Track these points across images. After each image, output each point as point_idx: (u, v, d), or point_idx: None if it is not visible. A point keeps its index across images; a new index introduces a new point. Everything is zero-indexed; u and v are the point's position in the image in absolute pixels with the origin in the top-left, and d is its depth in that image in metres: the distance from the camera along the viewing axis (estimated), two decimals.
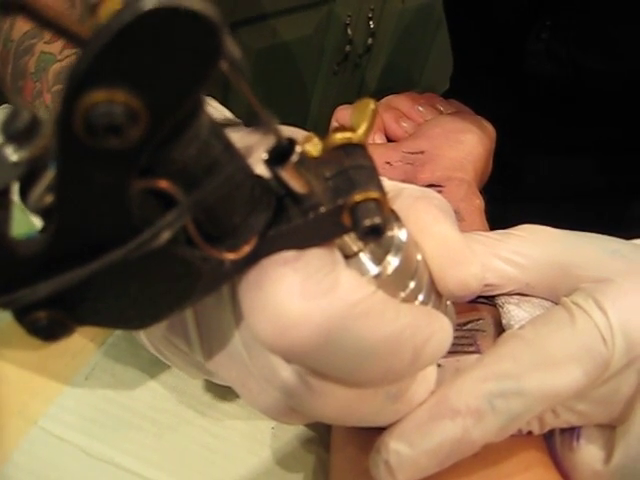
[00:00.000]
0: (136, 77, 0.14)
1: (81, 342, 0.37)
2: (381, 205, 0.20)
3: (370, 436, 0.26)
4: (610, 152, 0.62)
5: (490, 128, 0.46)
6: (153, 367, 0.36)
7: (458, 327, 0.30)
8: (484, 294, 0.31)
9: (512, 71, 0.60)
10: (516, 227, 0.30)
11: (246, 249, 0.20)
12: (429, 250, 0.25)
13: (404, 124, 0.47)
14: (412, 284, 0.24)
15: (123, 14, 0.13)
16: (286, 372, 0.22)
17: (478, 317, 0.31)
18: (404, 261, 0.23)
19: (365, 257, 0.23)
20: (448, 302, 0.27)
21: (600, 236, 0.29)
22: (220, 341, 0.24)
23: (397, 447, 0.24)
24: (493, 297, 0.31)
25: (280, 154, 0.19)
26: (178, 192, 0.17)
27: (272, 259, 0.21)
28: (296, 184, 0.20)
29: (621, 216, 0.63)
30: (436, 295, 0.25)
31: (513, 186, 0.66)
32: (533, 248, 0.29)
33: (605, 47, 0.54)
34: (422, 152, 0.42)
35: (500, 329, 0.30)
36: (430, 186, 0.39)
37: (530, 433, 0.27)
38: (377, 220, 0.20)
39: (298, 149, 0.19)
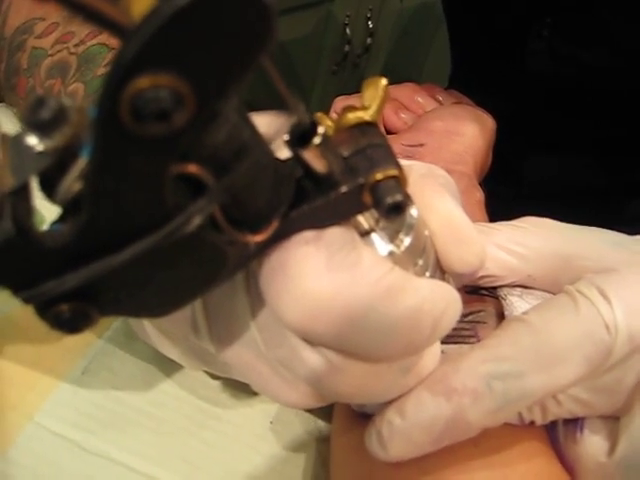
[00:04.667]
0: (185, 61, 0.14)
1: (77, 336, 0.36)
2: (401, 182, 0.20)
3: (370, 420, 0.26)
4: (611, 151, 0.62)
5: (490, 120, 0.46)
6: (151, 362, 0.36)
7: (459, 318, 0.30)
8: (486, 285, 0.31)
9: (513, 70, 0.60)
10: (518, 219, 0.30)
11: (269, 231, 0.20)
12: (434, 227, 0.25)
13: (403, 115, 0.47)
14: (421, 261, 0.24)
15: None
16: (307, 352, 0.22)
17: (480, 309, 0.31)
18: (415, 239, 0.24)
19: (378, 235, 0.23)
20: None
21: (602, 229, 0.29)
22: (231, 325, 0.24)
23: (390, 417, 0.24)
24: (495, 289, 0.31)
25: (301, 135, 0.19)
26: (208, 177, 0.17)
27: (294, 239, 0.21)
28: (317, 164, 0.20)
29: (621, 215, 0.63)
30: (440, 271, 0.26)
31: (514, 185, 0.66)
32: (535, 239, 0.29)
33: (606, 44, 0.54)
34: (422, 145, 0.42)
35: (502, 321, 0.30)
36: None
37: (533, 423, 0.27)
38: (399, 197, 0.20)
39: (320, 130, 0.19)
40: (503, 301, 0.30)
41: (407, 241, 0.24)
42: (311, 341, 0.22)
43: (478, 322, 0.30)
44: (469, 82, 0.58)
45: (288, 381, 0.24)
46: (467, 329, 0.30)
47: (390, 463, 0.25)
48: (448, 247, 0.25)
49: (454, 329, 0.30)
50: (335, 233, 0.21)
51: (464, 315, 0.31)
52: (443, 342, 0.29)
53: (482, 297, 0.32)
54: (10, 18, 0.45)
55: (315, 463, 0.33)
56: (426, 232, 0.25)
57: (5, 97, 0.48)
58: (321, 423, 0.35)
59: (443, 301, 0.22)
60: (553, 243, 0.29)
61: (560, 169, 0.65)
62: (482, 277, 0.30)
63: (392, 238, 0.23)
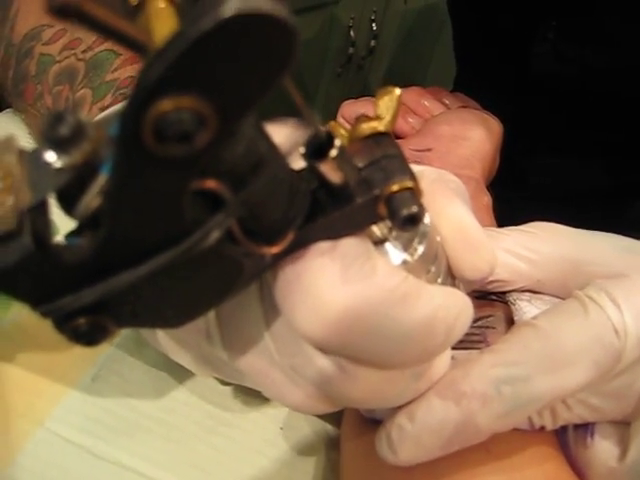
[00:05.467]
0: (208, 83, 0.14)
1: None
2: (416, 194, 0.21)
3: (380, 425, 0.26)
4: (615, 154, 0.62)
5: (497, 124, 0.46)
6: (161, 368, 0.36)
7: None
8: (494, 290, 0.31)
9: (517, 72, 0.60)
10: (527, 224, 0.30)
11: (285, 242, 0.20)
12: (445, 233, 0.25)
13: (411, 120, 0.47)
14: (433, 268, 0.24)
15: (202, 21, 0.13)
16: (321, 360, 0.22)
17: (489, 314, 0.31)
18: (428, 246, 0.24)
19: (391, 244, 0.23)
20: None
21: (610, 234, 0.29)
22: (244, 333, 0.24)
23: (400, 421, 0.24)
24: (504, 294, 0.31)
25: (318, 147, 0.19)
26: (226, 191, 0.17)
27: (309, 251, 0.21)
28: (333, 176, 0.20)
29: (626, 217, 0.63)
30: (451, 277, 0.26)
31: (518, 187, 0.65)
32: (544, 244, 0.29)
33: (611, 46, 0.54)
34: (429, 149, 0.42)
35: (510, 326, 0.29)
36: None
37: (543, 428, 0.27)
38: (414, 209, 0.20)
39: (337, 142, 0.19)
40: (512, 306, 0.30)
41: (421, 249, 0.24)
42: (326, 350, 0.22)
43: (487, 327, 0.30)
44: (474, 84, 0.58)
45: (301, 387, 0.24)
46: (476, 334, 0.30)
47: (400, 468, 0.25)
48: (459, 254, 0.25)
49: (463, 334, 0.30)
50: (350, 244, 0.21)
51: (473, 320, 0.30)
52: (452, 348, 0.29)
53: (491, 302, 0.32)
54: (18, 25, 0.45)
55: (325, 468, 0.33)
56: (438, 238, 0.25)
57: (13, 103, 0.48)
58: (330, 428, 0.35)
59: (456, 308, 0.22)
60: (562, 248, 0.28)
61: (564, 171, 0.65)
62: (491, 282, 0.30)
63: (405, 246, 0.23)
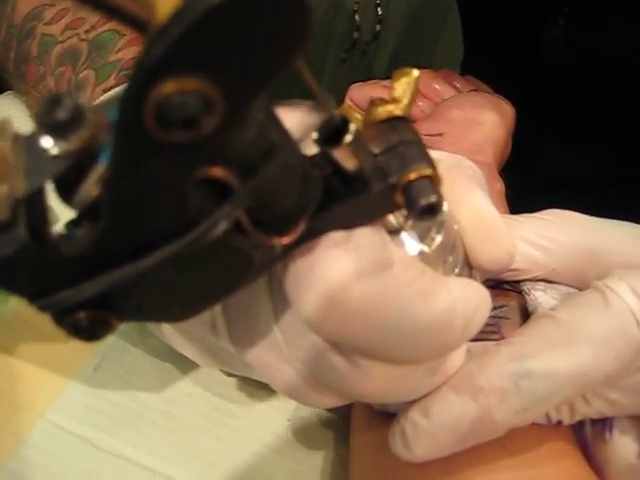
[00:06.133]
0: (215, 64, 0.13)
1: None
2: (435, 182, 0.19)
3: (392, 419, 0.25)
4: (626, 142, 0.61)
5: (509, 108, 0.46)
6: (165, 358, 0.36)
7: None
8: (509, 279, 0.30)
9: (527, 58, 0.59)
10: (542, 212, 0.30)
11: (296, 233, 0.19)
12: (463, 222, 0.24)
13: (420, 103, 0.46)
14: (451, 258, 0.24)
15: None
16: (333, 355, 0.22)
17: (502, 304, 0.30)
18: (446, 236, 0.23)
19: (407, 234, 0.22)
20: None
21: (626, 222, 0.29)
22: (252, 326, 0.23)
23: (415, 417, 0.24)
24: (517, 283, 0.31)
25: (332, 133, 0.18)
26: (234, 180, 0.16)
27: (322, 241, 0.20)
28: (348, 163, 0.19)
29: (633, 206, 0.62)
30: (468, 267, 0.25)
31: (525, 174, 0.65)
32: (560, 232, 0.28)
33: (623, 32, 0.53)
34: (441, 134, 0.41)
35: (525, 317, 0.29)
36: None
37: (560, 423, 0.26)
38: (433, 198, 0.19)
39: (352, 127, 0.18)
40: (527, 296, 0.29)
41: (438, 239, 0.23)
42: (339, 345, 0.22)
43: (501, 318, 0.30)
44: (482, 70, 0.57)
45: (310, 382, 0.23)
46: (490, 325, 0.29)
47: (413, 464, 0.24)
48: (478, 243, 0.24)
49: None
50: (365, 234, 0.20)
51: None
52: None
53: (504, 292, 0.31)
54: (19, 4, 0.44)
55: (333, 463, 0.33)
56: (455, 227, 0.24)
57: (14, 85, 0.47)
58: (339, 420, 0.34)
59: (475, 300, 0.22)
60: (579, 237, 0.28)
61: (574, 159, 0.64)
62: (505, 274, 0.29)
63: (422, 236, 0.23)
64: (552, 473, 0.26)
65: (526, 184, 0.64)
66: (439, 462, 0.24)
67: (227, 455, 0.32)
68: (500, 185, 0.39)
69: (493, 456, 0.25)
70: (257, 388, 0.35)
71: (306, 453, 0.33)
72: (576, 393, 0.24)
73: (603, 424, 0.27)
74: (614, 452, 0.26)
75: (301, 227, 0.19)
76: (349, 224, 0.20)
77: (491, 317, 0.30)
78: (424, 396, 0.24)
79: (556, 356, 0.23)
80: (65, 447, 0.32)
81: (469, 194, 0.24)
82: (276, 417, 0.34)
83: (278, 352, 0.23)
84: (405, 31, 1.29)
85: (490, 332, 0.29)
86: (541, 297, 0.29)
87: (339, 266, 0.20)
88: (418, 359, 0.22)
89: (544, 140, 0.64)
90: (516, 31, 0.60)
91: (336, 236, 0.20)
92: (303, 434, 0.34)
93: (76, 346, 0.35)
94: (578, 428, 0.28)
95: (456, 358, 0.24)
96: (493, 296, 0.31)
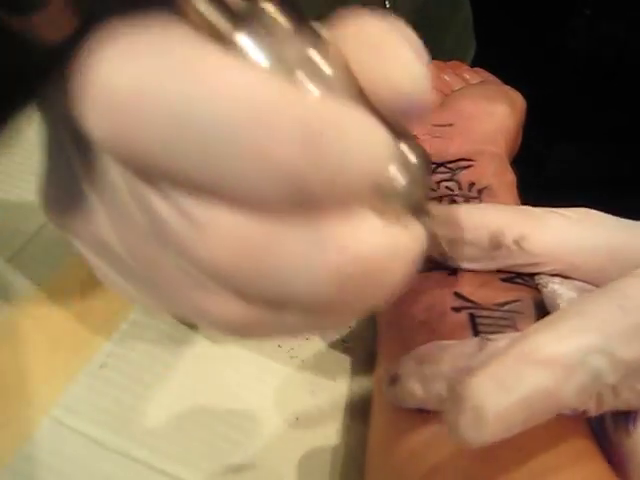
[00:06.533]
0: None
1: (95, 328, 0.36)
2: None
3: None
4: (638, 140, 0.61)
5: (520, 99, 0.45)
6: (171, 355, 0.35)
7: (496, 307, 0.29)
8: (522, 271, 0.30)
9: (545, 51, 0.58)
10: (564, 208, 0.30)
11: (55, 12, 0.14)
12: (350, 45, 0.18)
13: None
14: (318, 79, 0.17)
15: None
16: (154, 200, 0.16)
17: (516, 298, 0.30)
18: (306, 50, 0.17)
19: (245, 36, 0.16)
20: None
21: None
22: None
23: (490, 390, 0.21)
24: (531, 277, 0.30)
25: None
26: None
27: (99, 33, 0.15)
28: None
29: None
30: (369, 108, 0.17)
31: (535, 171, 0.64)
32: (581, 229, 0.28)
33: None
34: (451, 125, 0.40)
35: (539, 312, 0.29)
36: (460, 160, 0.37)
37: (584, 413, 0.25)
38: None
39: None
40: (543, 289, 0.29)
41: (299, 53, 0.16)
42: (133, 164, 0.16)
43: (515, 312, 0.29)
44: (494, 62, 0.56)
45: (191, 275, 0.18)
46: (505, 318, 0.29)
47: (428, 468, 0.23)
48: (366, 63, 0.17)
49: (491, 317, 0.29)
50: (153, 18, 0.15)
51: (500, 304, 0.30)
52: (481, 332, 0.28)
53: (518, 286, 0.31)
54: None
55: (342, 464, 0.32)
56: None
57: None
58: (348, 419, 0.34)
59: (328, 112, 0.15)
60: (600, 234, 0.28)
61: (585, 157, 0.64)
62: (521, 265, 0.29)
63: (271, 47, 0.16)
64: (571, 477, 0.25)
65: (534, 183, 0.63)
66: (453, 465, 0.24)
67: (236, 454, 0.32)
68: (512, 176, 0.38)
69: (509, 459, 0.24)
70: (265, 387, 0.34)
71: (315, 451, 0.32)
72: (623, 379, 0.23)
73: (626, 416, 0.26)
74: (638, 445, 0.25)
75: (57, 4, 0.14)
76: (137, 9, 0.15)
77: (505, 311, 0.29)
78: (484, 367, 0.22)
79: (620, 337, 0.23)
80: (69, 445, 0.31)
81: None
82: (283, 413, 0.33)
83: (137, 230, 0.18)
84: (414, 22, 1.28)
85: (504, 326, 0.29)
86: (560, 289, 0.28)
87: (116, 49, 0.15)
88: (258, 194, 0.15)
89: (557, 138, 0.64)
90: (539, 24, 0.59)
91: (118, 26, 0.15)
92: (312, 432, 0.33)
93: (81, 342, 0.35)
94: (598, 420, 0.27)
95: (364, 232, 0.16)
96: (505, 290, 0.30)
